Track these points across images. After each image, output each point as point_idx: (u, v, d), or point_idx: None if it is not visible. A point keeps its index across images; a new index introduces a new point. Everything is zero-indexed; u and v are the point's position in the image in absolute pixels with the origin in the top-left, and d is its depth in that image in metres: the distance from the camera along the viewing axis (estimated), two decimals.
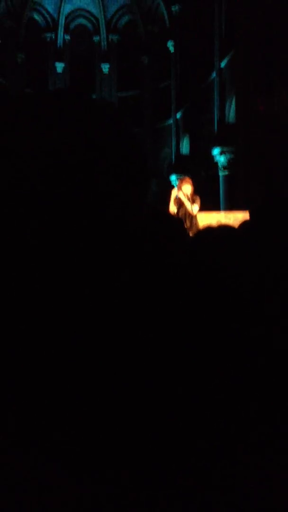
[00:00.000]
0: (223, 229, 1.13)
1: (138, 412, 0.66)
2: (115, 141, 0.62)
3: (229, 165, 13.16)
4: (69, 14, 20.94)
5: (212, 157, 13.70)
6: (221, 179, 13.59)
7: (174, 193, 6.98)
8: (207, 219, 7.32)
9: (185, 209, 6.79)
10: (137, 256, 0.66)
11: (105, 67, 21.24)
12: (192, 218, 6.80)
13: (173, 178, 16.80)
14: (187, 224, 6.60)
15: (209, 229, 1.13)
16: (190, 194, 6.97)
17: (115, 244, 0.61)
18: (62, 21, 20.81)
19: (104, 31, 21.16)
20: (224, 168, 13.40)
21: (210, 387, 0.83)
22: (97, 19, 21.16)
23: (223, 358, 0.87)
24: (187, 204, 6.84)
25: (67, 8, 20.77)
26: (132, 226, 0.64)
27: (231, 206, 11.87)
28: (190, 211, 6.80)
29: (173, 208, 6.82)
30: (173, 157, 18.32)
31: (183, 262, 1.05)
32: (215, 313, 0.92)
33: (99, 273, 0.59)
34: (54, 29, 20.82)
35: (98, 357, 0.60)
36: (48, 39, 20.82)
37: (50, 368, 0.58)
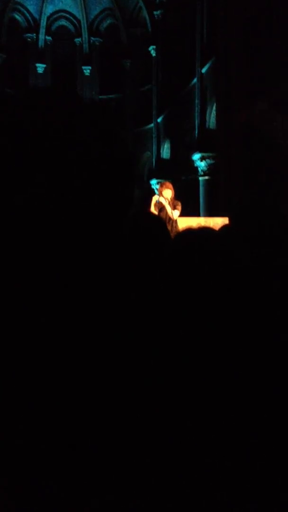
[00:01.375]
0: (203, 230, 1.15)
1: (138, 417, 0.66)
2: (101, 140, 0.61)
3: (209, 171, 13.26)
4: (51, 15, 20.88)
5: (192, 162, 13.78)
6: (201, 184, 13.68)
7: (155, 198, 7.00)
8: (187, 224, 7.34)
9: (166, 213, 6.81)
10: (123, 255, 0.65)
11: (87, 70, 21.23)
12: (173, 222, 6.82)
13: (153, 182, 16.87)
14: (168, 228, 6.61)
15: (189, 230, 1.15)
16: (171, 198, 7.00)
17: (101, 244, 0.60)
18: (43, 22, 20.74)
19: (86, 33, 21.15)
20: (204, 173, 13.50)
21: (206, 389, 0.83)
22: (79, 21, 21.15)
23: (206, 354, 0.88)
24: (168, 208, 6.87)
25: (49, 9, 20.71)
26: (118, 226, 0.63)
27: (211, 211, 11.96)
28: (171, 216, 6.83)
29: (153, 212, 6.83)
30: (154, 161, 18.38)
31: (167, 261, 1.06)
32: (202, 313, 0.93)
33: (84, 274, 0.59)
34: (36, 30, 20.74)
35: (87, 360, 0.60)
36: (30, 40, 20.72)
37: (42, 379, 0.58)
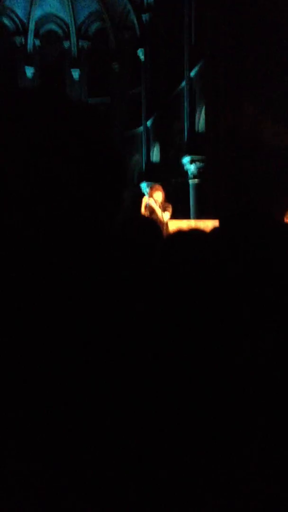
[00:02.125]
0: (194, 232, 1.15)
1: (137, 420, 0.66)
2: (89, 141, 0.61)
3: (199, 174, 13.30)
4: (39, 19, 20.85)
5: (182, 165, 13.81)
6: (191, 187, 13.71)
7: (145, 200, 7.00)
8: (177, 227, 7.35)
9: (156, 216, 6.81)
10: (113, 257, 0.65)
11: (76, 73, 21.22)
12: (163, 225, 6.82)
13: (143, 185, 16.87)
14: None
15: (180, 232, 1.15)
16: (161, 201, 7.00)
17: (91, 244, 0.60)
18: (32, 26, 20.71)
19: (75, 37, 21.16)
20: (194, 176, 13.53)
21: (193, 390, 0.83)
22: (67, 25, 21.14)
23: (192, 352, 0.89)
24: (158, 211, 6.87)
25: (37, 13, 20.68)
26: (108, 228, 0.63)
27: (201, 214, 11.98)
28: (161, 218, 6.82)
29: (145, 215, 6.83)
30: (144, 164, 18.40)
31: (157, 263, 1.06)
32: (194, 315, 0.94)
33: (74, 275, 0.58)
34: (24, 34, 20.69)
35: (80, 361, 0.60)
36: (18, 44, 20.67)
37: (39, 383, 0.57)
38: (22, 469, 0.56)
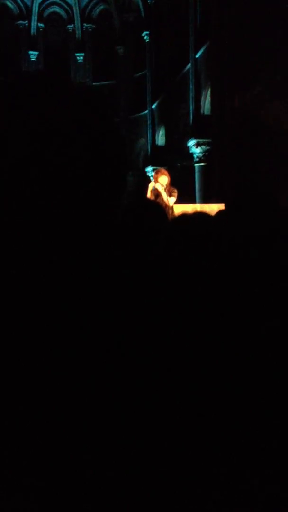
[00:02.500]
0: (198, 215, 1.14)
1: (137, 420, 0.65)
2: (91, 125, 0.60)
3: (204, 157, 13.19)
4: (43, 1, 20.59)
5: (187, 149, 13.71)
6: (196, 170, 13.61)
7: (151, 184, 6.98)
8: (183, 210, 7.34)
9: (162, 200, 6.80)
10: (118, 241, 0.66)
11: (80, 57, 20.99)
12: (169, 209, 6.81)
13: (148, 169, 16.76)
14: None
15: (184, 215, 1.13)
16: (167, 185, 6.98)
17: (95, 230, 0.60)
18: (35, 9, 20.45)
19: (79, 20, 20.89)
20: (200, 159, 13.43)
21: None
22: (71, 8, 20.86)
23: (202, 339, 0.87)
24: (164, 195, 6.85)
25: None
26: (112, 212, 0.62)
27: (206, 197, 11.92)
28: (167, 202, 6.81)
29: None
30: (149, 148, 18.26)
31: (162, 246, 1.06)
32: (198, 299, 0.92)
33: (78, 261, 0.58)
34: (28, 17, 20.45)
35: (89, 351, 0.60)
36: (22, 27, 20.45)
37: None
38: (22, 468, 0.56)
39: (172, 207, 6.92)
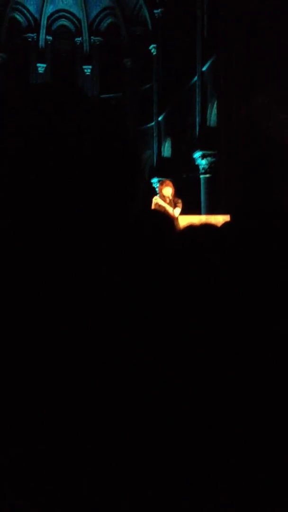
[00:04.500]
0: (205, 227, 1.14)
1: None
2: (104, 136, 0.61)
3: (210, 168, 13.23)
4: (51, 15, 20.84)
5: (193, 160, 13.76)
6: (202, 182, 13.65)
7: (155, 199, 6.97)
8: (188, 222, 7.34)
9: (167, 212, 6.80)
10: (126, 250, 0.66)
11: (88, 69, 21.18)
12: (174, 220, 6.81)
13: (154, 180, 16.82)
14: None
15: (192, 227, 1.14)
16: (171, 196, 6.98)
17: (104, 238, 0.60)
18: (44, 22, 20.70)
19: (87, 32, 21.11)
20: (206, 171, 13.47)
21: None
22: (79, 21, 21.10)
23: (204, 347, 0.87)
24: (169, 208, 6.84)
25: (49, 9, 20.66)
26: (122, 220, 0.63)
27: (212, 209, 11.93)
28: (172, 214, 6.80)
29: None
30: (155, 159, 18.34)
31: (169, 258, 1.06)
32: (204, 309, 0.93)
33: (86, 268, 0.58)
34: (36, 30, 20.69)
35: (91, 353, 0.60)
36: (30, 40, 20.68)
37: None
38: (22, 468, 0.55)
39: (177, 219, 6.91)
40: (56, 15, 21.01)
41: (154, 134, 18.51)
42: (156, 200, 6.93)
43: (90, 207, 0.58)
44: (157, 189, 7.36)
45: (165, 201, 6.93)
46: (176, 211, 6.91)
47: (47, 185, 0.56)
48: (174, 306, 0.93)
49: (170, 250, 1.11)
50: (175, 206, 6.94)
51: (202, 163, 13.47)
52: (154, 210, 5.26)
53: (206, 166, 13.40)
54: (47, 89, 0.63)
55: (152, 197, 7.12)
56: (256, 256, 1.06)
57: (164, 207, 6.82)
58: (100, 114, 0.63)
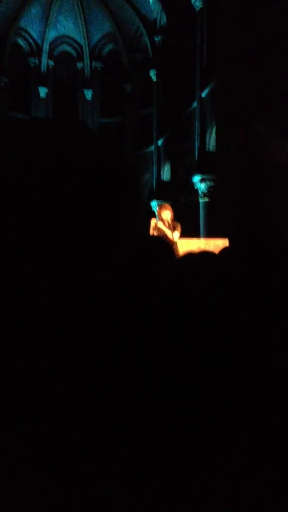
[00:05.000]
0: (204, 255, 1.14)
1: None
2: (106, 168, 0.61)
3: (209, 193, 13.35)
4: (53, 40, 21.27)
5: (192, 184, 13.88)
6: (201, 206, 13.75)
7: (153, 222, 6.99)
8: (187, 245, 7.36)
9: (166, 236, 6.80)
10: (123, 277, 0.66)
11: (88, 94, 21.53)
12: (173, 245, 6.81)
13: (153, 204, 16.96)
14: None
15: (190, 255, 1.16)
16: (170, 219, 7.00)
17: (101, 265, 0.60)
18: (46, 47, 21.11)
19: (88, 58, 21.51)
20: (204, 195, 13.58)
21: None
22: (81, 46, 21.52)
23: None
24: (168, 232, 6.85)
25: (51, 35, 21.09)
26: (120, 246, 0.63)
27: (211, 233, 11.99)
28: (171, 238, 6.81)
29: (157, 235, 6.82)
30: (154, 183, 18.51)
31: (166, 287, 1.06)
32: (201, 339, 0.94)
33: (83, 292, 0.58)
34: (38, 55, 21.09)
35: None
36: (32, 64, 21.06)
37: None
38: (21, 468, 0.56)
39: (176, 243, 6.92)
40: (58, 40, 21.44)
41: (154, 158, 18.72)
42: (155, 223, 6.95)
43: (88, 237, 0.58)
44: (156, 213, 7.38)
45: (164, 224, 6.95)
46: (175, 235, 6.93)
47: (44, 217, 0.56)
48: (171, 332, 0.94)
49: (168, 279, 1.12)
50: (174, 229, 6.96)
51: (201, 187, 13.58)
52: (154, 236, 5.27)
53: (205, 190, 13.51)
54: (44, 125, 0.63)
55: (151, 219, 7.15)
56: (255, 282, 1.07)
57: (163, 231, 6.83)
58: (98, 145, 0.63)
